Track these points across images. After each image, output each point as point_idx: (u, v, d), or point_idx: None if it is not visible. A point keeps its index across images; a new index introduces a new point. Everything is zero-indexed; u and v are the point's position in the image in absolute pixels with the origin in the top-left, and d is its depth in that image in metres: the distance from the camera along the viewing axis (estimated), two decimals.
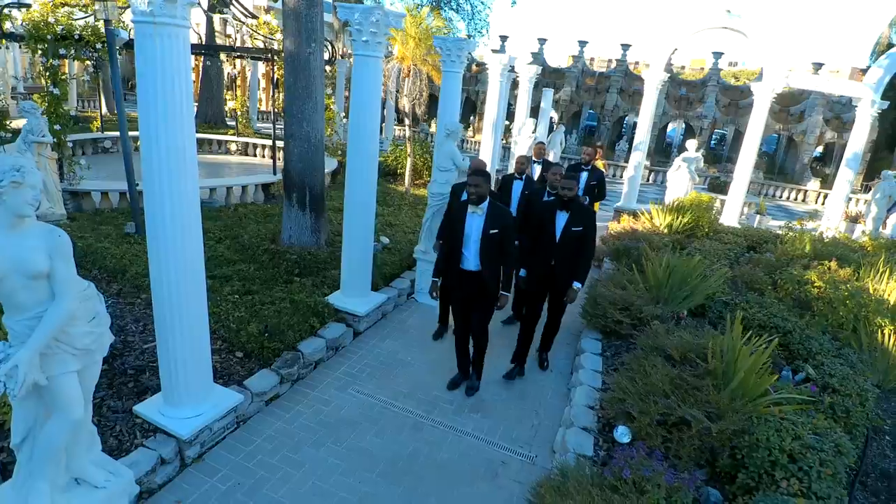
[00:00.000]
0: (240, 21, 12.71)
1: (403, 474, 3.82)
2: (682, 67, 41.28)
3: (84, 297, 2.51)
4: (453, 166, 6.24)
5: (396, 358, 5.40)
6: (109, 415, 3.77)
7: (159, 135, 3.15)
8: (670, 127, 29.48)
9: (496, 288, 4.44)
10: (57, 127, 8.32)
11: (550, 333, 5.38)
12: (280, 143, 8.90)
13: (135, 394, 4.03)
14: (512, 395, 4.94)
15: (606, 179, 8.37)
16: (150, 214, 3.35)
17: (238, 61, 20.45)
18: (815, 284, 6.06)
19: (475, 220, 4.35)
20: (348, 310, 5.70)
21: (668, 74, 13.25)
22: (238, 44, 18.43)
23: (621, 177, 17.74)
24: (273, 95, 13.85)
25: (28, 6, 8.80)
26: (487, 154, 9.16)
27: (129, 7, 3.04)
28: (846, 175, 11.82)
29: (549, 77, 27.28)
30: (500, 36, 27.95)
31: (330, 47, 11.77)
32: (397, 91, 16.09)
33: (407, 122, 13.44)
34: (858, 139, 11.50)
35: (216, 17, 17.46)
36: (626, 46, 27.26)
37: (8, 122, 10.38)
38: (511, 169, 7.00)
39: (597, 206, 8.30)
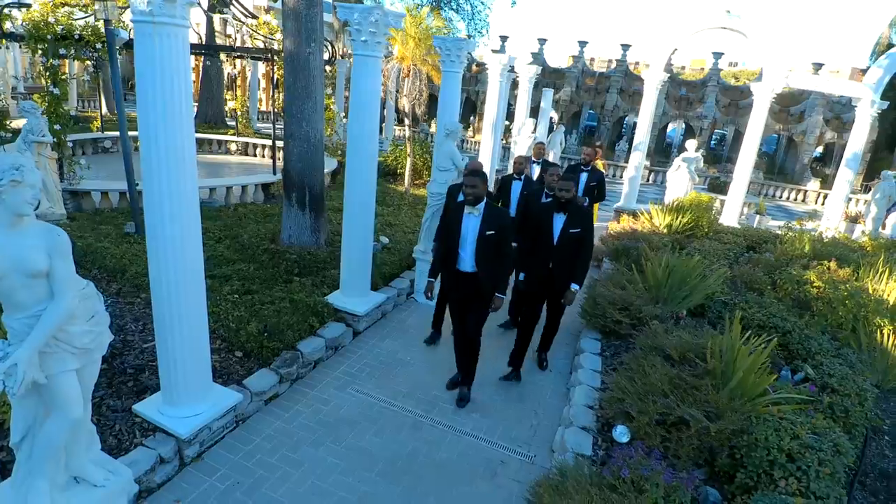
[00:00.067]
0: (240, 21, 12.71)
1: (402, 473, 3.83)
2: (683, 68, 41.27)
3: (83, 295, 2.51)
4: (453, 166, 6.25)
5: (396, 357, 5.40)
6: (109, 414, 3.78)
7: (158, 134, 3.16)
8: (670, 127, 29.49)
9: (492, 290, 4.38)
10: (57, 127, 8.33)
11: (550, 334, 5.37)
12: (280, 143, 8.91)
13: (134, 393, 4.03)
14: (511, 394, 4.94)
15: (606, 180, 8.35)
16: (150, 214, 3.35)
17: (238, 61, 20.46)
18: (815, 284, 6.06)
19: (471, 221, 4.31)
20: (348, 309, 5.71)
21: (668, 74, 13.26)
22: (238, 44, 18.46)
23: (621, 177, 17.73)
24: (273, 95, 13.86)
25: (28, 6, 8.80)
26: (487, 154, 9.16)
27: (128, 7, 3.04)
28: (846, 175, 11.82)
29: (549, 77, 27.29)
30: (500, 36, 27.98)
31: (330, 47, 11.77)
32: (397, 91, 16.11)
33: (407, 122, 13.44)
34: (858, 139, 11.50)
35: (216, 17, 17.46)
36: (626, 46, 27.27)
37: (8, 122, 10.40)
38: (511, 169, 6.99)
39: (596, 207, 8.29)
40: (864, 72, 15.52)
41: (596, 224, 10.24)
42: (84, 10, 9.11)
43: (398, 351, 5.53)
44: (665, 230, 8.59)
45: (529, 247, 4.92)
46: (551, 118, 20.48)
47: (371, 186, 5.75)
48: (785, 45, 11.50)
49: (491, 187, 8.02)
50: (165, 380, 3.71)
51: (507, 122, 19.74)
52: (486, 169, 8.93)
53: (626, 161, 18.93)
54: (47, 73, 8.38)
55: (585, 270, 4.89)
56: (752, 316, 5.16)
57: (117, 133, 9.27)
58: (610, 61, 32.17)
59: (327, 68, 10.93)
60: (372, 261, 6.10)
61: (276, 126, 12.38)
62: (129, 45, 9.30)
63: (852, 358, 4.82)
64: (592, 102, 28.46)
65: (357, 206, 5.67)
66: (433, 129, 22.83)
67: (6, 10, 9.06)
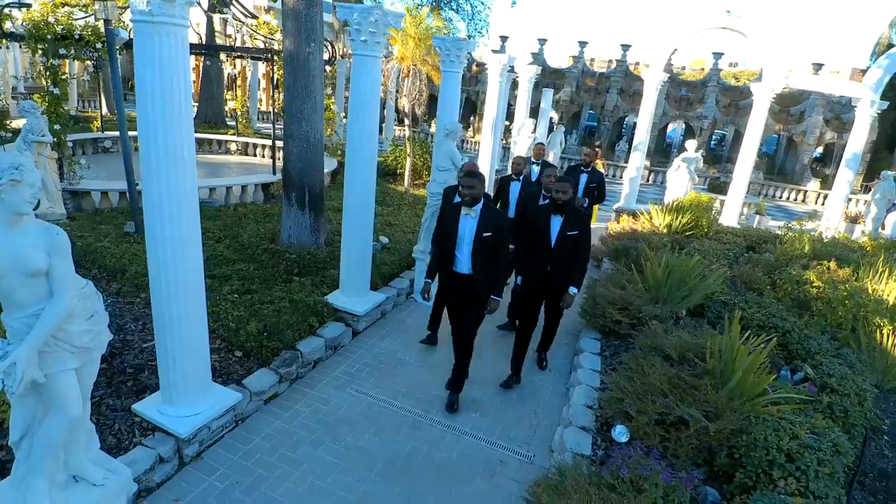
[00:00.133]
0: (240, 21, 12.72)
1: (402, 473, 3.83)
2: (683, 68, 41.26)
3: (82, 295, 2.51)
4: (452, 166, 6.24)
5: (395, 357, 5.40)
6: (108, 413, 3.78)
7: (158, 134, 3.16)
8: (670, 127, 29.49)
9: (488, 292, 4.32)
10: (57, 126, 8.33)
11: (549, 334, 5.37)
12: (280, 143, 8.92)
13: (134, 392, 4.03)
14: (510, 394, 4.94)
15: (606, 180, 8.34)
16: (150, 214, 3.35)
17: (238, 61, 20.46)
18: (814, 284, 6.06)
19: (468, 223, 4.25)
20: (347, 309, 5.71)
21: (668, 75, 13.27)
22: (238, 44, 18.47)
23: (621, 177, 17.74)
24: (273, 95, 13.87)
25: (28, 6, 8.81)
26: (487, 154, 9.16)
27: (128, 7, 3.05)
28: (846, 175, 11.81)
29: (548, 77, 27.30)
30: (500, 36, 27.99)
31: (329, 47, 11.77)
32: (397, 91, 16.12)
33: (407, 122, 13.44)
34: (858, 140, 11.50)
35: (216, 17, 17.47)
36: (626, 47, 27.27)
37: (8, 122, 10.41)
38: (511, 170, 6.99)
39: (596, 208, 8.28)
40: (864, 72, 15.52)
41: (596, 224, 10.29)
42: (84, 10, 9.12)
43: (397, 351, 5.53)
44: (665, 230, 8.59)
45: (527, 249, 4.85)
46: (551, 118, 20.48)
47: (371, 186, 5.75)
48: (785, 46, 11.51)
49: (491, 187, 8.05)
50: (165, 379, 3.71)
51: (506, 123, 19.74)
52: (486, 169, 8.94)
53: (626, 161, 18.94)
54: (47, 73, 8.38)
55: (583, 273, 4.84)
56: (752, 316, 5.16)
57: (117, 133, 9.27)
58: (610, 61, 32.17)
59: (327, 68, 10.94)
60: (371, 261, 6.10)
61: (276, 126, 12.38)
62: (129, 45, 9.31)
63: (852, 358, 4.82)
64: (592, 103, 28.46)
65: (357, 205, 5.67)
66: (433, 129, 22.83)
67: (6, 10, 9.07)
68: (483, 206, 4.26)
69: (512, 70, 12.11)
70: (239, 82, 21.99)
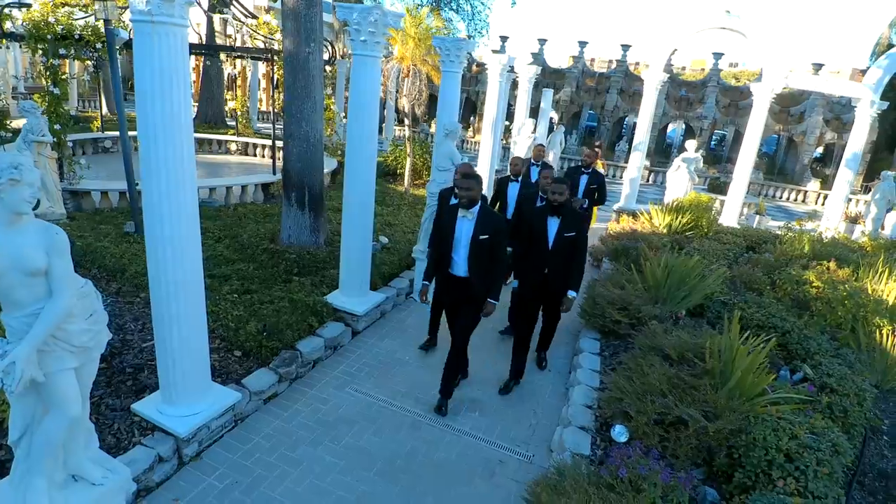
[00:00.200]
0: (240, 21, 12.72)
1: (401, 473, 3.83)
2: (683, 68, 41.24)
3: (81, 294, 2.51)
4: (452, 166, 6.23)
5: (395, 357, 5.41)
6: (108, 413, 3.78)
7: (157, 134, 3.16)
8: (670, 127, 29.48)
9: (485, 295, 4.27)
10: (57, 126, 8.34)
11: (548, 335, 5.37)
12: (280, 143, 8.92)
13: (133, 392, 4.03)
14: (510, 394, 4.94)
15: (606, 180, 8.31)
16: (149, 214, 3.35)
17: (238, 61, 20.44)
18: (814, 284, 6.06)
19: (465, 225, 4.21)
20: (347, 309, 5.71)
21: (668, 75, 13.28)
22: (238, 44, 18.46)
23: (621, 177, 17.74)
24: (273, 95, 13.84)
25: (28, 6, 8.81)
26: (487, 154, 9.16)
27: (128, 7, 3.05)
28: (846, 176, 11.82)
29: (548, 77, 27.30)
30: (500, 36, 27.99)
31: (329, 47, 11.76)
32: (397, 91, 16.12)
33: (406, 122, 13.44)
34: (858, 140, 11.50)
35: (216, 17, 17.47)
36: (626, 47, 27.28)
37: (8, 122, 10.41)
38: (510, 170, 6.98)
39: (595, 209, 8.26)
40: (864, 72, 15.51)
41: (595, 225, 10.29)
42: (84, 10, 9.12)
43: (397, 350, 5.53)
44: (665, 230, 8.59)
45: (524, 251, 4.80)
46: (551, 118, 20.48)
47: (370, 186, 5.75)
48: (785, 46, 11.50)
49: (491, 187, 8.04)
50: (164, 379, 3.72)
51: (506, 123, 19.75)
52: (486, 169, 8.94)
53: (626, 161, 18.93)
54: (47, 73, 8.39)
55: (581, 275, 4.79)
56: (751, 316, 5.16)
57: (117, 133, 9.27)
58: (610, 61, 32.18)
59: (327, 68, 10.94)
60: (371, 261, 6.10)
61: (276, 126, 12.38)
62: (129, 44, 9.32)
63: (851, 358, 4.82)
64: (592, 103, 28.46)
65: (356, 205, 5.68)
66: (433, 129, 22.82)
67: (6, 10, 9.07)
68: (480, 208, 4.22)
69: (512, 70, 12.12)
70: (239, 82, 22.00)
